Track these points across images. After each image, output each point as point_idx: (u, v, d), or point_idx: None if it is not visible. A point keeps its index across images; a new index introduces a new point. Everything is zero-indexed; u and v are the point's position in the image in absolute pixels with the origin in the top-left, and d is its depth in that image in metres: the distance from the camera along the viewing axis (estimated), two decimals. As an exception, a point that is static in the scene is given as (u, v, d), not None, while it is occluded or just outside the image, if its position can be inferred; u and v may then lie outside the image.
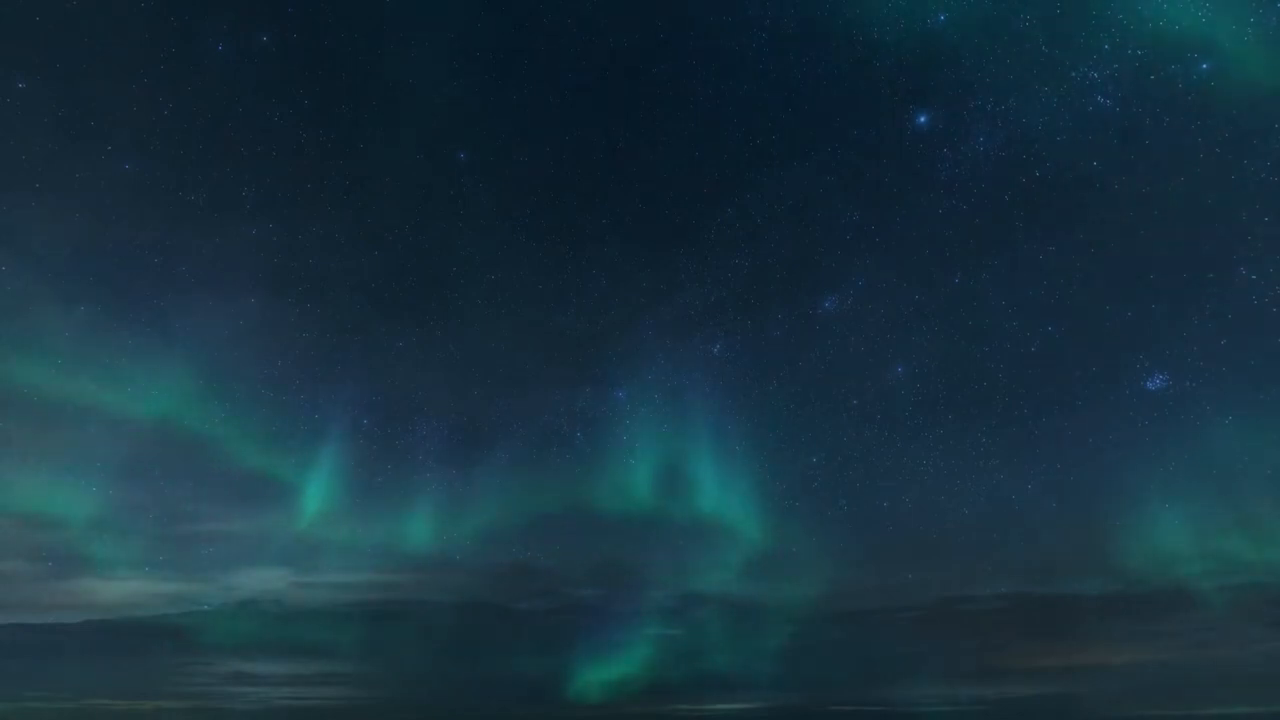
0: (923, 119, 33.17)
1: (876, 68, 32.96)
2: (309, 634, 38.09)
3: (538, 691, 37.91)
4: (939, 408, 36.19)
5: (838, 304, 36.02)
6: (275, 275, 35.20)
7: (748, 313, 36.74)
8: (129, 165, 32.33)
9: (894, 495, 36.72)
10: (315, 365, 36.60)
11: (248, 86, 32.79)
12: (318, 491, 37.75)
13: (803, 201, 35.45)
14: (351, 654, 37.98)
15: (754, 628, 38.54)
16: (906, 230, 34.86)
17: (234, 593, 38.25)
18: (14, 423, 33.79)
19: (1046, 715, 33.30)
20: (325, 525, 38.02)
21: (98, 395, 34.37)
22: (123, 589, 37.23)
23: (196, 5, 31.85)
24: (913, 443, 36.33)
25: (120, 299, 34.20)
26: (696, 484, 37.43)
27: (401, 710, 35.74)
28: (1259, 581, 33.42)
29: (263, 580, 38.15)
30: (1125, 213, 31.46)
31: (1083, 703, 33.32)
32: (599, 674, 38.52)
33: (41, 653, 38.88)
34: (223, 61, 32.25)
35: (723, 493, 37.43)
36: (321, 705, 35.77)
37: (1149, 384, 32.60)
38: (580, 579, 40.22)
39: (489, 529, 38.87)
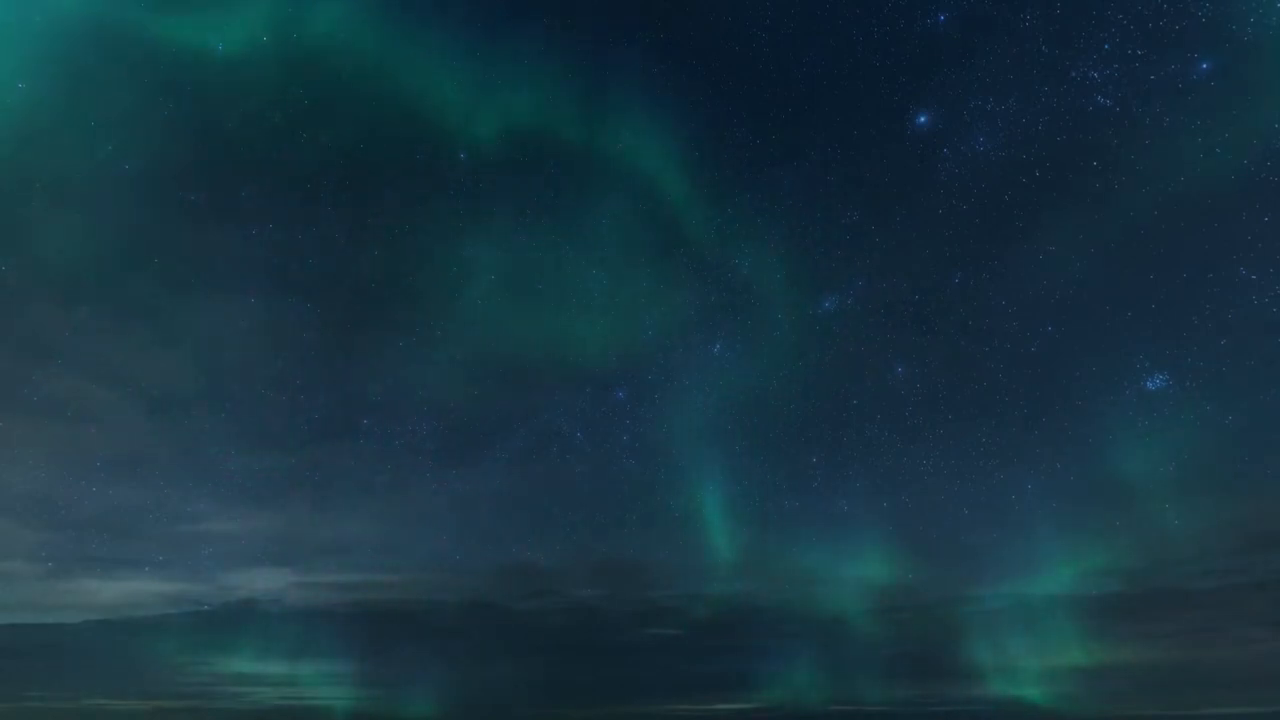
0: (923, 119, 33.27)
1: (876, 68, 33.09)
2: (309, 634, 38.08)
3: (538, 691, 37.92)
4: (939, 408, 36.26)
5: (838, 304, 36.09)
6: (275, 275, 35.33)
7: (748, 313, 36.83)
8: (129, 165, 32.42)
9: (894, 495, 36.81)
10: (315, 365, 36.69)
11: (248, 86, 32.90)
12: (318, 492, 37.87)
13: (803, 201, 35.55)
14: (351, 654, 37.97)
15: (754, 627, 38.56)
16: (906, 230, 34.97)
17: (234, 593, 38.30)
18: (14, 423, 33.86)
19: (1047, 715, 33.28)
20: (325, 525, 38.12)
21: (98, 395, 34.45)
22: (123, 589, 37.31)
23: (197, 5, 31.92)
24: (913, 443, 36.44)
25: (120, 299, 34.26)
26: (697, 484, 37.53)
27: (402, 710, 35.73)
28: (1259, 581, 33.40)
29: (263, 580, 38.22)
30: (1125, 213, 31.49)
31: (1083, 702, 33.31)
32: (599, 673, 38.56)
33: (41, 653, 38.86)
34: (223, 61, 32.34)
35: (723, 493, 37.52)
36: (321, 705, 35.77)
37: (1149, 384, 32.61)
38: (580, 579, 40.25)
39: (489, 529, 38.98)
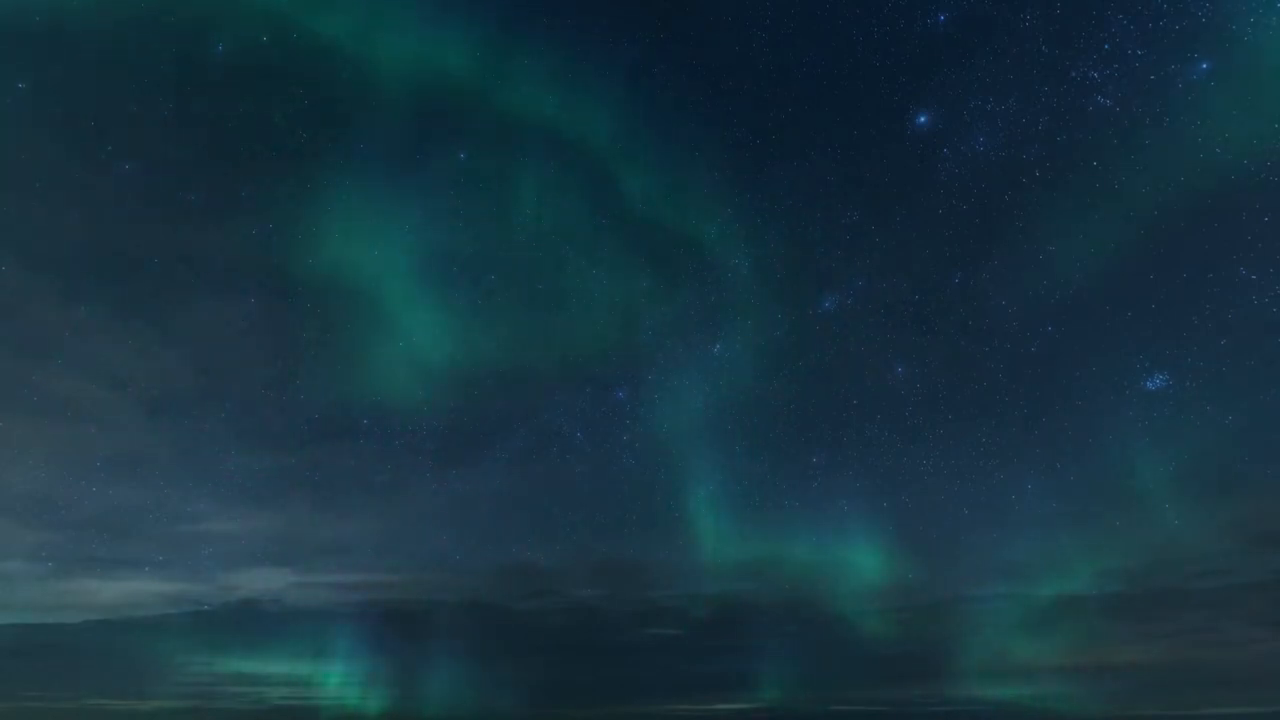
0: (923, 119, 33.29)
1: (876, 68, 33.12)
2: (309, 634, 38.09)
3: (538, 691, 37.92)
4: (939, 408, 36.27)
5: (838, 304, 36.10)
6: (275, 275, 35.31)
7: (748, 313, 36.85)
8: (129, 165, 32.49)
9: (894, 495, 36.82)
10: (315, 365, 36.68)
11: (248, 86, 32.91)
12: (318, 492, 37.88)
13: (803, 201, 35.57)
14: (352, 654, 37.98)
15: (754, 627, 38.55)
16: (906, 230, 34.99)
17: (234, 593, 38.29)
18: (14, 423, 33.87)
19: (1047, 715, 33.28)
20: (325, 525, 38.12)
21: (98, 395, 34.46)
22: (123, 589, 37.31)
23: (196, 5, 31.92)
24: (913, 443, 36.45)
25: (120, 299, 34.28)
26: (697, 484, 37.53)
27: (402, 710, 35.74)
28: (1259, 581, 33.41)
29: (263, 580, 38.22)
30: (1125, 213, 31.50)
31: (1082, 702, 33.31)
32: (599, 673, 38.52)
33: (41, 653, 38.87)
34: (223, 61, 32.34)
35: (723, 493, 37.51)
36: (321, 705, 35.78)
37: (1149, 384, 32.60)
38: (580, 579, 40.26)
39: (489, 529, 39.00)
